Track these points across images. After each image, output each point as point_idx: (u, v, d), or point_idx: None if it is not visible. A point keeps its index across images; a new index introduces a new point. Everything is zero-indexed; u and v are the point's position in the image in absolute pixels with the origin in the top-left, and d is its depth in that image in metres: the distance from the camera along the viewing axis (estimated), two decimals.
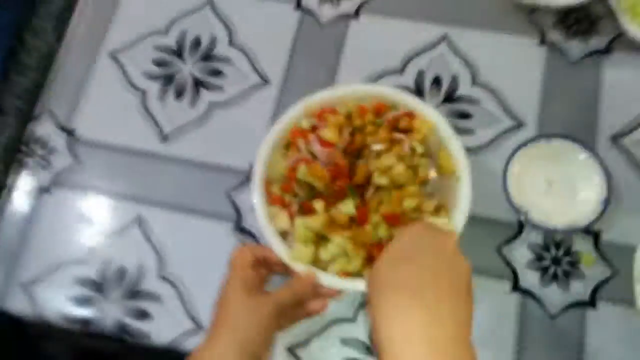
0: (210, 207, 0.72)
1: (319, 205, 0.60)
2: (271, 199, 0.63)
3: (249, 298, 0.53)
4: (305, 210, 0.61)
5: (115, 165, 0.75)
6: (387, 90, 0.67)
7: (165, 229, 0.71)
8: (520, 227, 0.67)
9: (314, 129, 0.63)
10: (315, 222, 0.59)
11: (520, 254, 0.66)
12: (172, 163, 0.75)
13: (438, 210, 0.62)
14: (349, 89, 0.67)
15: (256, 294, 0.53)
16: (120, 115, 0.77)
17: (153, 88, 0.78)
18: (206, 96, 0.77)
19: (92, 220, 0.73)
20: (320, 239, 0.60)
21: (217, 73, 0.79)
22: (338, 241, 0.59)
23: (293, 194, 0.61)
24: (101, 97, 0.79)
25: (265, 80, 0.77)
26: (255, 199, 0.62)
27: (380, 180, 0.60)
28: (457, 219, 0.60)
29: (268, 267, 0.61)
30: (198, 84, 0.78)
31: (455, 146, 0.63)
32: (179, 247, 0.70)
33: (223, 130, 0.75)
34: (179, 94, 0.78)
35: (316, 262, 0.60)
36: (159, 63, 0.80)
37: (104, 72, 0.80)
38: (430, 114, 0.64)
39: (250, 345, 0.50)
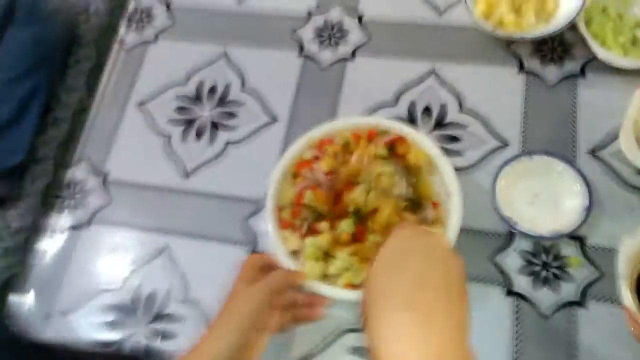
0: (229, 233, 0.76)
1: (324, 225, 0.68)
2: (282, 224, 0.69)
3: (248, 287, 0.57)
4: (313, 231, 0.68)
5: (143, 201, 0.81)
6: (380, 120, 0.76)
7: (189, 255, 0.76)
8: (511, 237, 0.71)
9: (316, 158, 0.71)
10: (322, 240, 0.66)
11: (512, 261, 0.69)
12: (194, 196, 0.80)
13: (435, 223, 0.69)
14: (345, 121, 0.76)
15: (253, 284, 0.58)
16: (147, 157, 0.83)
17: (176, 132, 0.84)
18: (222, 136, 0.83)
19: (124, 252, 0.78)
20: (327, 256, 0.67)
21: (231, 115, 0.85)
22: (342, 257, 0.66)
23: (301, 218, 0.67)
24: (130, 143, 0.85)
25: (274, 119, 0.83)
26: (269, 225, 0.70)
27: (350, 209, 0.68)
28: (451, 231, 0.66)
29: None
30: (215, 125, 0.84)
31: (445, 165, 0.71)
32: (202, 271, 0.74)
33: (238, 165, 0.80)
34: (199, 135, 0.84)
35: (325, 277, 0.66)
36: (181, 110, 0.87)
37: (132, 121, 0.86)
38: (420, 138, 0.72)
39: (245, 327, 0.54)
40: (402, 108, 0.80)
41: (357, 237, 0.67)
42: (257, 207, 0.77)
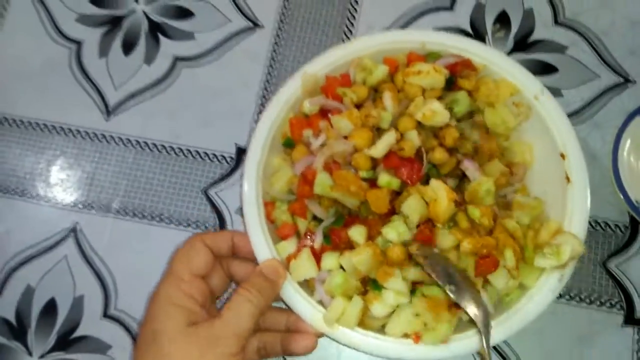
0: (177, 211, 0.53)
1: (357, 233, 0.40)
2: (278, 232, 0.43)
3: (196, 333, 0.36)
4: (336, 242, 0.41)
5: (37, 153, 0.55)
6: (427, 34, 0.47)
7: (114, 243, 0.52)
8: (635, 232, 0.50)
9: (323, 112, 0.44)
10: (358, 260, 0.39)
11: (636, 269, 0.50)
12: (120, 147, 0.55)
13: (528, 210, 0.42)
14: (365, 42, 0.46)
15: (205, 323, 0.37)
16: (43, 78, 0.57)
17: (91, 37, 0.58)
18: (168, 47, 0.58)
19: (5, 235, 0.53)
20: (367, 286, 0.41)
21: (183, 13, 0.58)
22: (397, 287, 0.39)
23: (311, 218, 0.43)
24: (17, 53, 0.58)
25: (253, 23, 0.58)
26: (251, 235, 0.42)
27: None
28: (575, 226, 0.41)
29: (226, 269, 0.42)
30: (156, 29, 0.58)
31: (550, 107, 0.44)
32: (134, 269, 0.52)
33: (193, 98, 0.56)
34: (129, 45, 0.58)
35: (365, 322, 0.41)
36: (99, 1, 0.60)
37: (19, 17, 0.59)
38: (500, 61, 0.44)
39: None
40: (462, 14, 0.57)
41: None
42: (225, 168, 0.54)
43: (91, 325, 0.50)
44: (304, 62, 0.52)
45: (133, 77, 0.56)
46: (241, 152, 0.53)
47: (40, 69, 0.57)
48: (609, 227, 0.50)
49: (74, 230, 0.52)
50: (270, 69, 0.55)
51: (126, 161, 0.54)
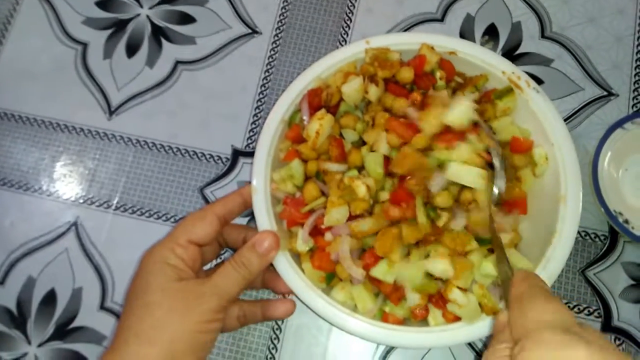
0: (176, 207, 0.54)
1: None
2: (415, 315, 0.42)
3: (181, 288, 0.38)
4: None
5: (41, 148, 0.56)
6: (428, 38, 0.46)
7: (112, 238, 0.53)
8: (613, 242, 0.51)
9: (315, 231, 0.44)
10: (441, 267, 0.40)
11: (614, 278, 0.50)
12: (121, 146, 0.56)
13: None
14: (343, 53, 0.46)
15: (194, 280, 0.39)
16: (49, 78, 0.58)
17: (96, 40, 0.59)
18: (170, 51, 0.58)
19: (10, 227, 0.54)
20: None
21: (185, 18, 0.59)
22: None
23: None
24: (23, 52, 0.59)
25: (252, 30, 0.58)
26: (257, 208, 0.43)
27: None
28: (560, 250, 0.41)
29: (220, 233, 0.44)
30: (159, 33, 0.59)
31: (553, 121, 0.44)
32: (131, 262, 0.52)
33: (194, 101, 0.57)
34: (132, 48, 0.58)
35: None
36: (104, 3, 0.60)
37: (27, 18, 0.60)
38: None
39: (180, 354, 0.36)
40: (452, 26, 0.58)
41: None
42: (219, 171, 0.55)
43: (88, 316, 0.51)
44: (300, 68, 0.54)
45: (135, 79, 0.57)
46: (237, 154, 0.54)
47: (47, 69, 0.58)
48: (589, 236, 0.50)
49: (75, 224, 0.53)
50: (267, 73, 0.56)
51: (126, 159, 0.55)
